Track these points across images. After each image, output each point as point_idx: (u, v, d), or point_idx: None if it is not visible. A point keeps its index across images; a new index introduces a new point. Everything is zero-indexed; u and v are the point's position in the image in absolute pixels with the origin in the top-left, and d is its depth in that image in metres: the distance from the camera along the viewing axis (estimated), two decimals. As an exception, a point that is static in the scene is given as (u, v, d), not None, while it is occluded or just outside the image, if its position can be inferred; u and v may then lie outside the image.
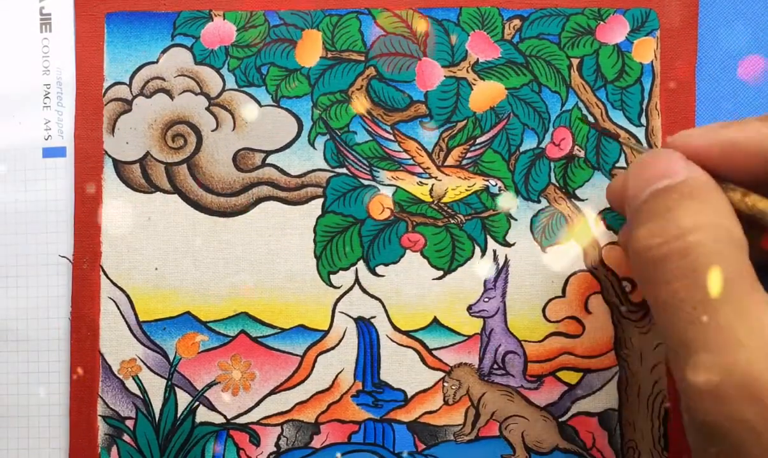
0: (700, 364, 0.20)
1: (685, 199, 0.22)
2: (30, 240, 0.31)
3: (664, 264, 0.22)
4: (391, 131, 0.30)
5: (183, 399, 0.30)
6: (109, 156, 0.31)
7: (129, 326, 0.30)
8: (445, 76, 0.30)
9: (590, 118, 0.30)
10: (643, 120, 0.30)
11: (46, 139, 0.31)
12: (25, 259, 0.31)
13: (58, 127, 0.31)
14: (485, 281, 0.30)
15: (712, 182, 0.23)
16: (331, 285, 0.30)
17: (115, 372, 0.30)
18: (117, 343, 0.30)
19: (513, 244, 0.30)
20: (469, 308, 0.30)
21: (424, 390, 0.30)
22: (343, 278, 0.30)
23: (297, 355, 0.30)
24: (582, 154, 0.30)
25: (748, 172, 0.23)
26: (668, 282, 0.21)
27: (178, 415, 0.30)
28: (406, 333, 0.30)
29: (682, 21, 0.30)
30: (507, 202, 0.30)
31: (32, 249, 0.31)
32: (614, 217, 0.30)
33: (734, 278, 0.21)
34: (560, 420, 0.30)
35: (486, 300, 0.30)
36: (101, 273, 0.30)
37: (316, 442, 0.30)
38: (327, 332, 0.30)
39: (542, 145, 0.30)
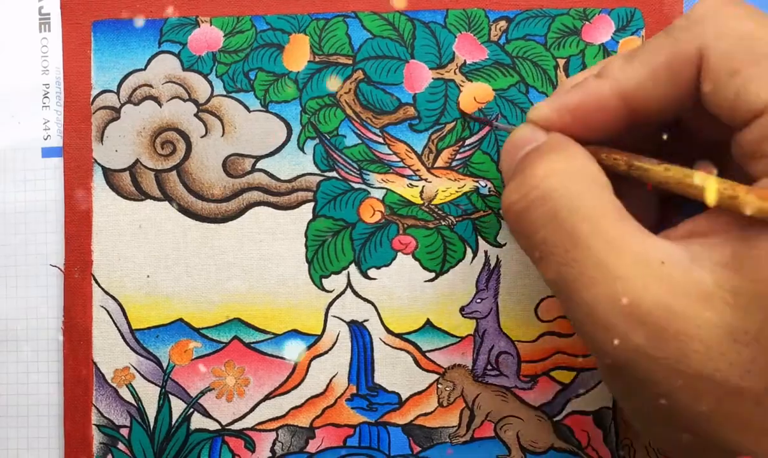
0: (583, 302, 0.21)
1: (542, 154, 0.23)
2: (29, 239, 0.31)
3: (528, 215, 0.22)
4: (380, 134, 0.30)
5: (177, 406, 0.30)
6: (99, 164, 0.31)
7: (122, 334, 0.30)
8: (432, 78, 0.30)
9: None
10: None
11: (45, 139, 0.31)
12: (25, 259, 0.31)
13: (58, 127, 0.31)
14: (477, 282, 0.30)
15: (569, 139, 0.23)
16: (323, 289, 0.30)
17: (109, 381, 0.30)
18: (110, 352, 0.30)
19: (504, 245, 0.30)
20: (462, 309, 0.30)
21: (419, 393, 0.30)
22: (335, 282, 0.30)
23: (291, 360, 0.30)
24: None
25: (604, 129, 0.23)
26: (536, 232, 0.22)
27: (173, 423, 0.30)
28: (400, 336, 0.30)
29: (667, 20, 0.30)
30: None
31: (32, 249, 0.31)
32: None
33: (598, 214, 0.21)
34: (555, 419, 0.30)
35: (478, 301, 0.30)
36: (93, 281, 0.30)
37: (312, 447, 0.30)
38: (320, 336, 0.30)
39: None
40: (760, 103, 0.20)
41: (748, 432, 0.20)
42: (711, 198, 0.20)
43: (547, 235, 0.22)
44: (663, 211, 0.26)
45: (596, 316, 0.20)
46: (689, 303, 0.20)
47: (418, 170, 0.30)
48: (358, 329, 0.30)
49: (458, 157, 0.30)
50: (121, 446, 0.30)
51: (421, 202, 0.30)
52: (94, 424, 0.30)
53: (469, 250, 0.30)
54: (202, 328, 0.30)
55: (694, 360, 0.20)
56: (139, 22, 0.31)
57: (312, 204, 0.30)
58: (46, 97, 0.31)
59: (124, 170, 0.31)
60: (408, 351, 0.30)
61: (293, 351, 0.30)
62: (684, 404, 0.20)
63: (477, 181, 0.30)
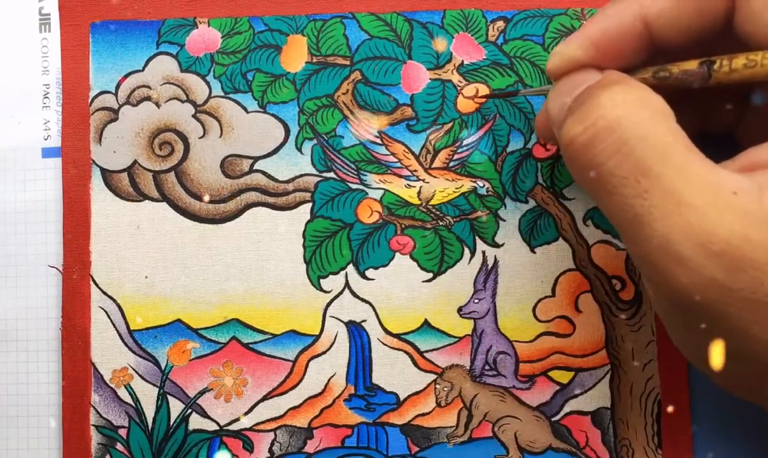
0: (655, 235, 0.20)
1: (603, 86, 0.22)
2: (29, 240, 0.31)
3: (594, 146, 0.21)
4: (378, 134, 0.30)
5: (175, 406, 0.30)
6: (97, 165, 0.31)
7: (120, 335, 0.30)
8: (430, 79, 0.30)
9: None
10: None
11: (46, 139, 0.31)
12: (25, 259, 0.31)
13: (58, 127, 0.31)
14: (475, 282, 0.30)
15: (624, 74, 0.23)
16: (321, 289, 0.30)
17: (107, 382, 0.30)
18: (108, 352, 0.30)
19: (502, 245, 0.30)
20: (460, 310, 0.30)
21: (417, 393, 0.30)
22: (333, 282, 0.30)
23: (289, 360, 0.30)
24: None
25: (628, 57, 0.23)
26: (602, 163, 0.21)
27: (171, 423, 0.30)
28: (397, 336, 0.30)
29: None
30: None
31: (31, 249, 0.31)
32: (602, 216, 0.30)
33: (667, 142, 0.21)
34: (553, 419, 0.30)
35: (476, 301, 0.30)
36: (91, 282, 0.30)
37: (310, 447, 0.30)
38: (318, 337, 0.30)
39: (529, 146, 0.30)
40: None
41: None
42: None
43: (615, 166, 0.21)
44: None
45: (669, 248, 0.20)
46: (765, 233, 0.19)
47: (415, 171, 0.30)
48: (356, 329, 0.30)
49: (456, 157, 0.30)
50: (119, 447, 0.30)
51: (419, 202, 0.30)
52: (93, 425, 0.30)
53: (466, 251, 0.30)
54: (201, 329, 0.30)
55: None
56: (137, 23, 0.31)
57: (310, 204, 0.30)
58: (46, 97, 0.31)
59: (122, 171, 0.31)
60: (406, 352, 0.30)
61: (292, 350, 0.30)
62: (757, 335, 0.20)
63: (474, 182, 0.30)
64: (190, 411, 0.30)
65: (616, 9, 0.23)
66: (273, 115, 0.30)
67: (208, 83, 0.31)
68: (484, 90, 0.30)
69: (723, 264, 0.19)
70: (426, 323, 0.30)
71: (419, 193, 0.30)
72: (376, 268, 0.30)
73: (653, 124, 0.21)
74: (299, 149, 0.30)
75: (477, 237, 0.30)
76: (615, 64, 0.23)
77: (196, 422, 0.30)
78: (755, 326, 0.20)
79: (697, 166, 0.20)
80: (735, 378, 0.22)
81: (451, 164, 0.30)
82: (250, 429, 0.30)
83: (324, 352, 0.30)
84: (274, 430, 0.30)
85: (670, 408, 0.30)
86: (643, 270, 0.22)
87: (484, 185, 0.30)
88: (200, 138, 0.31)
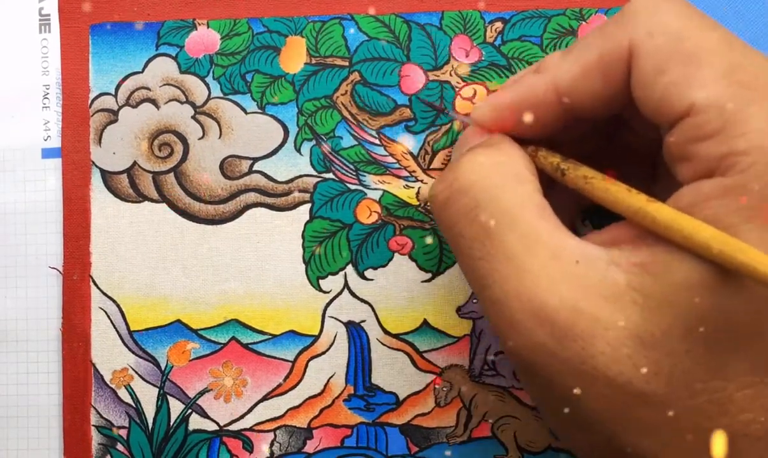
0: (494, 299, 0.21)
1: (473, 151, 0.23)
2: (29, 240, 0.31)
3: (448, 207, 0.22)
4: (376, 135, 0.30)
5: (175, 407, 0.30)
6: (97, 166, 0.31)
7: (120, 336, 0.30)
8: (428, 80, 0.30)
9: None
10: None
11: (45, 140, 0.31)
12: (24, 260, 0.31)
13: (58, 127, 0.31)
14: (474, 282, 0.30)
15: (505, 137, 0.23)
16: (320, 290, 0.30)
17: (108, 382, 0.30)
18: (108, 353, 0.30)
19: (500, 245, 0.30)
20: (459, 310, 0.30)
21: (416, 393, 0.30)
22: (332, 283, 0.30)
23: (288, 361, 0.30)
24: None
25: (541, 126, 0.23)
26: (455, 224, 0.22)
27: (171, 423, 0.30)
28: (397, 337, 0.30)
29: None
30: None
31: (32, 250, 0.31)
32: (600, 216, 0.30)
33: (516, 208, 0.21)
34: (552, 419, 0.30)
35: (475, 301, 0.30)
36: (91, 283, 0.30)
37: (309, 447, 0.30)
38: (317, 337, 0.30)
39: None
40: (684, 104, 0.19)
41: (654, 436, 0.20)
42: (631, 210, 0.20)
43: (464, 228, 0.21)
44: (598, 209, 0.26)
45: (503, 312, 0.20)
46: (598, 304, 0.19)
47: (414, 171, 0.30)
48: (355, 330, 0.30)
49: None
50: (119, 447, 0.30)
51: (418, 203, 0.30)
52: (93, 425, 0.30)
53: (465, 251, 0.30)
54: (200, 329, 0.30)
55: (599, 361, 0.19)
56: (137, 25, 0.31)
57: (309, 205, 0.30)
58: (46, 97, 0.31)
59: (122, 172, 0.31)
60: (405, 352, 0.30)
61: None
62: (590, 407, 0.20)
63: (473, 182, 0.30)
64: (190, 411, 0.30)
65: (529, 81, 0.23)
66: (272, 116, 0.31)
67: (207, 84, 0.31)
68: (481, 91, 0.30)
69: (552, 332, 0.20)
70: (425, 323, 0.30)
71: (418, 193, 0.30)
72: (375, 269, 0.30)
73: (506, 190, 0.21)
74: (298, 150, 0.31)
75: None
76: (529, 132, 0.23)
77: (196, 422, 0.30)
78: (586, 397, 0.20)
79: (543, 233, 0.20)
80: (582, 450, 0.22)
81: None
82: (250, 429, 0.30)
83: (323, 352, 0.30)
84: (274, 430, 0.30)
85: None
86: (492, 327, 0.22)
87: (482, 185, 0.30)
88: (200, 139, 0.31)
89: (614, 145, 0.26)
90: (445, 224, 0.23)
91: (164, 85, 0.31)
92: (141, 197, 0.31)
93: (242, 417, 0.30)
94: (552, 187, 0.24)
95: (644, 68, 0.20)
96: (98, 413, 0.30)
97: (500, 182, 0.21)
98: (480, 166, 0.22)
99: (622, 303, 0.19)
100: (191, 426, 0.30)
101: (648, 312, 0.19)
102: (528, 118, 0.23)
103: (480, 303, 0.22)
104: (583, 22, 0.30)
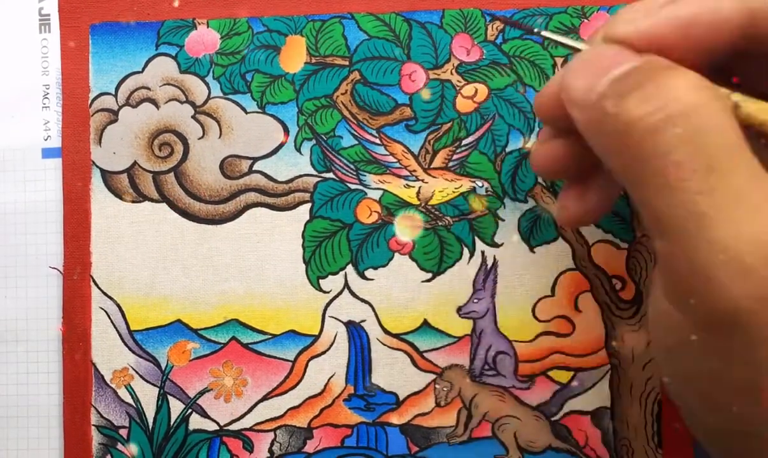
0: (720, 239, 0.18)
1: (673, 70, 0.20)
2: (29, 240, 0.31)
3: (663, 131, 0.19)
4: (376, 135, 0.30)
5: (176, 407, 0.30)
6: (97, 166, 0.31)
7: (120, 335, 0.30)
8: (429, 79, 0.30)
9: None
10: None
11: (45, 140, 0.31)
12: (25, 260, 0.31)
13: (58, 127, 0.31)
14: (474, 282, 0.30)
15: (672, 63, 0.20)
16: (320, 289, 0.30)
17: (108, 382, 0.30)
18: (109, 353, 0.30)
19: (501, 245, 0.30)
20: (459, 309, 0.30)
21: (416, 393, 0.30)
22: (332, 282, 0.30)
23: (288, 360, 0.30)
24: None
25: (709, 52, 0.20)
26: (669, 152, 0.18)
27: (172, 423, 0.30)
28: (397, 336, 0.30)
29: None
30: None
31: (32, 250, 0.31)
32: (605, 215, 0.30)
33: (739, 141, 0.19)
34: (553, 419, 0.30)
35: (475, 301, 0.30)
36: (92, 283, 0.30)
37: (310, 447, 0.30)
38: (317, 337, 0.30)
39: (528, 146, 0.30)
40: None
41: None
42: None
43: (684, 157, 0.18)
44: None
45: (731, 255, 0.18)
46: None
47: (414, 171, 0.30)
48: (355, 329, 0.30)
49: (455, 157, 0.30)
50: (120, 447, 0.30)
51: (418, 202, 0.30)
52: (93, 425, 0.30)
53: (465, 250, 0.30)
54: (200, 329, 0.30)
55: None
56: (137, 24, 0.31)
57: (309, 205, 0.30)
58: (46, 97, 0.31)
59: (122, 172, 0.31)
60: (405, 352, 0.30)
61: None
62: None
63: (474, 182, 0.30)
64: (190, 411, 0.30)
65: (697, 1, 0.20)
66: (272, 116, 0.30)
67: (207, 84, 0.31)
68: (483, 90, 0.30)
69: None
70: (425, 323, 0.30)
71: (418, 193, 0.30)
72: (375, 268, 0.30)
73: (728, 118, 0.19)
74: (298, 150, 0.30)
75: (476, 237, 0.30)
76: (691, 58, 0.20)
77: (196, 422, 0.30)
78: None
79: (763, 171, 0.18)
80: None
81: (450, 164, 0.30)
82: (250, 429, 0.30)
83: (323, 352, 0.30)
84: (274, 430, 0.30)
85: (672, 421, 0.29)
86: (683, 280, 0.19)
87: (483, 185, 0.30)
88: (200, 139, 0.31)
89: None
90: (652, 152, 0.19)
91: (164, 84, 0.31)
92: (141, 197, 0.31)
93: (242, 416, 0.30)
94: None
95: None
96: (98, 413, 0.30)
97: (722, 109, 0.19)
98: (698, 88, 0.19)
99: None
100: (191, 426, 0.30)
101: None
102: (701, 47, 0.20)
103: (685, 250, 0.18)
104: (585, 20, 0.30)
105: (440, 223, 0.30)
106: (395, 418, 0.30)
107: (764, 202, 0.18)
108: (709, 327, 0.19)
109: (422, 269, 0.30)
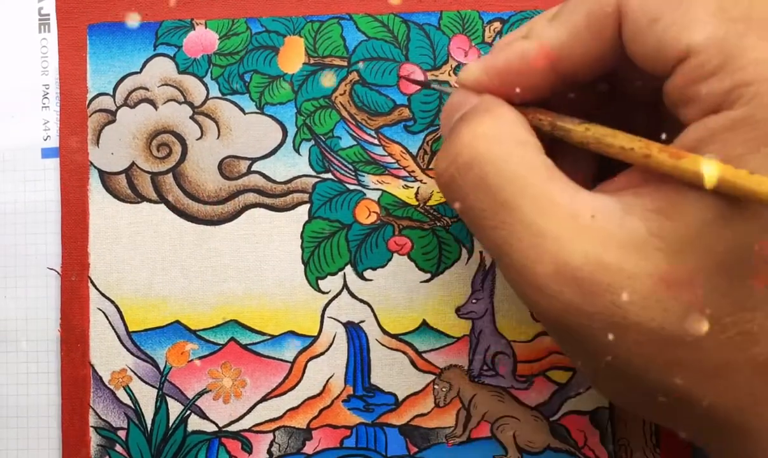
0: (515, 266, 0.21)
1: (469, 119, 0.22)
2: (29, 240, 0.31)
3: (456, 182, 0.22)
4: (375, 135, 0.30)
5: (174, 408, 0.30)
6: (95, 167, 0.31)
7: (119, 336, 0.30)
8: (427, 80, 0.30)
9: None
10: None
11: (45, 140, 0.31)
12: (24, 260, 0.31)
13: (57, 127, 0.31)
14: (473, 282, 0.30)
15: (499, 100, 0.23)
16: (319, 290, 0.30)
17: (106, 383, 0.30)
18: (107, 354, 0.30)
19: (500, 245, 0.30)
20: (458, 310, 0.30)
21: (415, 393, 0.30)
22: (331, 283, 0.30)
23: (287, 361, 0.30)
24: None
25: (533, 90, 0.23)
26: (465, 197, 0.22)
27: (170, 425, 0.30)
28: (396, 337, 0.30)
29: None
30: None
31: (31, 250, 0.31)
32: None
33: (524, 173, 0.21)
34: (551, 419, 0.30)
35: (474, 301, 0.30)
36: (90, 284, 0.30)
37: (309, 448, 0.30)
38: (316, 337, 0.30)
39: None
40: (681, 47, 0.20)
41: (688, 374, 0.20)
42: (633, 156, 0.20)
43: (475, 200, 0.21)
44: (601, 166, 0.26)
45: (527, 278, 0.20)
46: (621, 254, 0.20)
47: (413, 171, 0.30)
48: (354, 330, 0.30)
49: (453, 157, 0.30)
50: (118, 448, 0.30)
51: (417, 203, 0.30)
52: (92, 426, 0.30)
53: (464, 251, 0.30)
54: (199, 330, 0.30)
55: (629, 311, 0.19)
56: (135, 24, 0.31)
57: (308, 205, 0.30)
58: (46, 97, 0.31)
59: (120, 173, 0.31)
60: (404, 352, 0.30)
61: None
62: (625, 356, 0.20)
63: (472, 182, 0.30)
64: (189, 412, 0.30)
65: (519, 46, 0.23)
66: (270, 116, 0.30)
67: (205, 84, 0.31)
68: None
69: (579, 290, 0.20)
70: (424, 323, 0.30)
71: (417, 193, 0.30)
72: (374, 269, 0.30)
73: (513, 157, 0.21)
74: (297, 150, 0.30)
75: (475, 238, 0.30)
76: (521, 96, 0.23)
77: (195, 423, 0.30)
78: (621, 348, 0.20)
79: (555, 194, 0.21)
80: (616, 394, 0.23)
81: (449, 165, 0.30)
82: (249, 430, 0.30)
83: (322, 353, 0.30)
84: (273, 431, 0.30)
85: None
86: (518, 296, 0.22)
87: (481, 185, 0.30)
88: (198, 139, 0.31)
89: (615, 102, 0.25)
90: (455, 199, 0.22)
91: (162, 85, 0.31)
92: (139, 197, 0.31)
93: (241, 418, 0.30)
94: (553, 153, 0.23)
95: (635, 19, 0.21)
96: (97, 414, 0.30)
97: (504, 150, 0.21)
98: (482, 137, 0.22)
99: (644, 251, 0.19)
100: (190, 428, 0.30)
101: (671, 255, 0.19)
102: (518, 88, 0.23)
103: (501, 271, 0.22)
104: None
105: (438, 224, 0.30)
106: (394, 419, 0.30)
107: (548, 224, 0.20)
108: (552, 331, 0.23)
109: (421, 269, 0.30)
